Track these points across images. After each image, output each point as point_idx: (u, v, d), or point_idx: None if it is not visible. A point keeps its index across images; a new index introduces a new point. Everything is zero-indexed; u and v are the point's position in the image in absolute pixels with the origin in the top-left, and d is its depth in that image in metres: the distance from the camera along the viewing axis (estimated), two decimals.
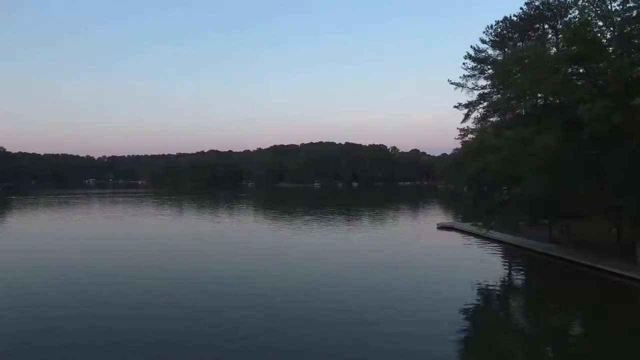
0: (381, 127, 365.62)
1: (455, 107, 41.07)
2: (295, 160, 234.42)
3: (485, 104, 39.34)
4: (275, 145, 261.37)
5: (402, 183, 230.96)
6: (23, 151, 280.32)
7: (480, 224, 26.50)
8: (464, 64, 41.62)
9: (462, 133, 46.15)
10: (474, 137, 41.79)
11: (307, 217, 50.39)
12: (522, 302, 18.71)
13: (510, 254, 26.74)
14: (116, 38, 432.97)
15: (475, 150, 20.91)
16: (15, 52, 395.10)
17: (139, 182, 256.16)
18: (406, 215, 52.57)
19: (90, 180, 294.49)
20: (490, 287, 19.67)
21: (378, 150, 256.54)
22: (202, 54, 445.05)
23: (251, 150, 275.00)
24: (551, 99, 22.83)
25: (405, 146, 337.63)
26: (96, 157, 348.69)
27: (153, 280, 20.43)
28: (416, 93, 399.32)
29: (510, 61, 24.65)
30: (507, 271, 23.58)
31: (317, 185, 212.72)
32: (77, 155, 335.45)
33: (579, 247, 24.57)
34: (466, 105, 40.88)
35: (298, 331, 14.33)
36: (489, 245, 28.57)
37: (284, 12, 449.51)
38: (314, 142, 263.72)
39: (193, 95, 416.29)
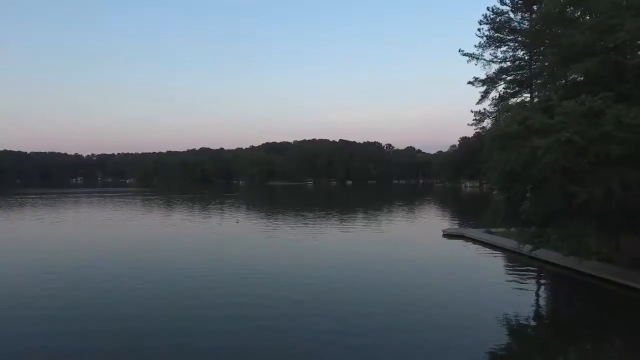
0: (376, 124, 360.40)
1: (469, 83, 33.69)
2: (287, 158, 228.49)
3: (508, 78, 32.34)
4: (267, 142, 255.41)
5: (396, 181, 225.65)
6: (8, 149, 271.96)
7: (520, 240, 18.23)
8: (479, 30, 33.66)
9: (477, 117, 37.87)
10: (492, 121, 34.85)
11: (289, 224, 44.39)
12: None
13: (545, 274, 20.24)
14: (105, 34, 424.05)
15: (513, 133, 13.77)
16: None
17: (127, 181, 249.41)
18: (404, 219, 45.05)
19: (78, 179, 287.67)
20: (531, 328, 13.49)
21: (372, 148, 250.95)
22: (193, 51, 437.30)
23: (243, 148, 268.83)
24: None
25: (400, 143, 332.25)
26: (85, 155, 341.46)
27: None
28: (412, 90, 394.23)
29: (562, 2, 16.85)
30: (549, 301, 16.93)
31: (309, 183, 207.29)
32: (65, 154, 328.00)
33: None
34: (484, 81, 33.51)
35: None
36: (510, 258, 22.40)
37: (275, 7, 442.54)
38: (307, 139, 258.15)
39: (185, 92, 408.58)
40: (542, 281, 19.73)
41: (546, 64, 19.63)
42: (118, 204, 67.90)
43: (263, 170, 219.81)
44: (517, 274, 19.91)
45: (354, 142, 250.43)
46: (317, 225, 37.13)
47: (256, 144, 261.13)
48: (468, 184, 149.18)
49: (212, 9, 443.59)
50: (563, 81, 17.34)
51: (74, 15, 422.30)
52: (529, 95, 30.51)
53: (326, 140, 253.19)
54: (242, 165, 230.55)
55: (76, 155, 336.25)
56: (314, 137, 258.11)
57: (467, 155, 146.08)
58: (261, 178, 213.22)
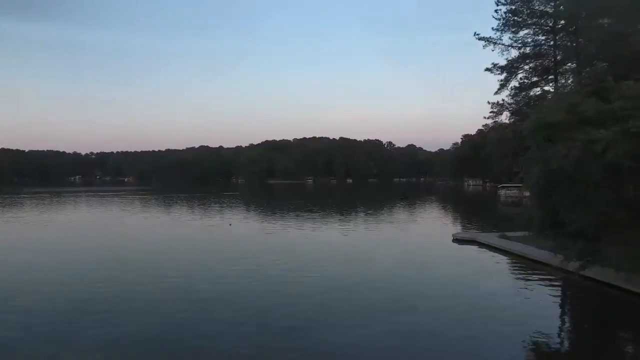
0: (377, 122, 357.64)
1: (487, 70, 30.54)
2: (287, 156, 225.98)
3: (529, 66, 29.22)
4: (267, 140, 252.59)
5: (397, 179, 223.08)
6: (6, 147, 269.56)
7: (564, 253, 15.09)
8: (496, 11, 30.16)
9: (494, 110, 34.41)
10: (509, 115, 31.81)
11: (290, 221, 41.87)
12: None
13: (569, 285, 17.72)
14: (103, 30, 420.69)
15: (561, 123, 10.89)
16: None
17: (126, 180, 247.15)
18: (409, 221, 41.81)
19: (77, 177, 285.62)
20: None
21: (373, 146, 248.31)
22: (192, 48, 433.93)
23: (243, 146, 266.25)
24: None
25: (401, 141, 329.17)
26: (83, 153, 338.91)
27: None
28: (413, 87, 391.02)
29: None
30: (585, 323, 14.36)
31: (309, 181, 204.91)
32: (64, 152, 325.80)
33: None
34: (504, 68, 30.51)
35: None
36: (531, 267, 19.85)
37: (275, 6, 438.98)
38: (307, 137, 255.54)
39: (184, 90, 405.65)
40: (571, 293, 17.26)
41: (588, 42, 16.84)
42: (106, 205, 65.47)
43: (263, 168, 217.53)
44: (542, 286, 17.42)
45: (355, 139, 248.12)
46: (316, 226, 34.79)
47: (256, 142, 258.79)
48: (471, 182, 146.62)
49: (209, 4, 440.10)
50: (605, 65, 14.65)
51: (75, 9, 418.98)
52: (552, 84, 27.69)
53: (326, 138, 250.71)
54: (241, 163, 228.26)
55: (75, 153, 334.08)
56: (314, 135, 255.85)
57: (470, 153, 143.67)
58: (261, 176, 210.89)
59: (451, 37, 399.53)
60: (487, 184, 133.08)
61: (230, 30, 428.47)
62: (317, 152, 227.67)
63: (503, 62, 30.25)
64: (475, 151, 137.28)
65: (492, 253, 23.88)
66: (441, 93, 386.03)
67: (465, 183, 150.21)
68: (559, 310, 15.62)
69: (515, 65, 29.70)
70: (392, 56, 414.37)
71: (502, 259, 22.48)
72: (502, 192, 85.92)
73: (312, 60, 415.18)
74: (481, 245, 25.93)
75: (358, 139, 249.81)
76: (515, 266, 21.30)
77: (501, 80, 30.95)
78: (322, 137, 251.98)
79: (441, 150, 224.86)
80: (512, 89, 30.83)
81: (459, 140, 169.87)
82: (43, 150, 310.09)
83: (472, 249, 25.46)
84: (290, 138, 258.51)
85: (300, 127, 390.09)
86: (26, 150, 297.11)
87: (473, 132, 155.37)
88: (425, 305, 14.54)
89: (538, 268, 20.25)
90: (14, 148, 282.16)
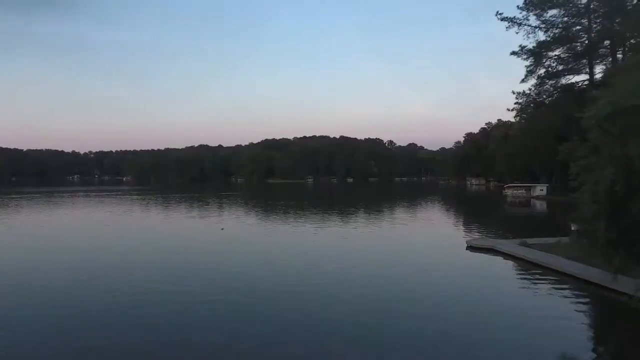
0: (377, 120, 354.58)
1: (513, 53, 26.99)
2: (287, 155, 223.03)
3: (560, 51, 25.96)
4: (266, 139, 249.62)
5: (399, 179, 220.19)
6: (3, 146, 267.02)
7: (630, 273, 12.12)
8: None
9: (519, 101, 30.77)
10: (532, 107, 28.53)
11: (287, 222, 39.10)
12: None
13: (600, 300, 15.20)
14: (101, 33, 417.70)
15: None
16: None
17: (124, 179, 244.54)
18: (415, 224, 38.27)
19: (75, 176, 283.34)
20: None
21: (374, 144, 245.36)
22: (191, 47, 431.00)
23: (242, 144, 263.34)
24: None
25: (402, 140, 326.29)
26: (82, 152, 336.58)
27: None
28: (413, 85, 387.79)
29: None
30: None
31: (309, 180, 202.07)
32: (62, 151, 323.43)
33: None
34: (533, 52, 26.75)
35: None
36: (560, 281, 17.07)
37: (275, 6, 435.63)
38: (307, 135, 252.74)
39: (184, 89, 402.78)
40: (608, 312, 14.55)
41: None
42: (93, 205, 62.80)
43: (262, 167, 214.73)
44: (575, 304, 14.75)
45: (355, 138, 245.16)
46: (315, 228, 32.06)
47: (255, 141, 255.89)
48: (474, 181, 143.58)
49: (210, 5, 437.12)
50: None
51: (75, 7, 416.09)
52: (585, 71, 24.80)
53: (326, 137, 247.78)
54: (241, 162, 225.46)
55: (73, 152, 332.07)
56: (314, 134, 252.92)
57: (473, 151, 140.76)
58: (260, 175, 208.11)
59: (454, 34, 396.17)
60: (491, 184, 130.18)
61: (230, 30, 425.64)
62: (317, 151, 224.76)
63: (533, 43, 26.55)
64: (478, 150, 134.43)
65: (514, 264, 20.95)
66: (442, 91, 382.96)
67: (468, 182, 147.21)
68: (589, 326, 12.89)
69: (543, 49, 26.28)
70: (392, 54, 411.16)
71: (524, 269, 19.64)
72: (509, 192, 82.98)
73: (312, 58, 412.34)
74: (499, 254, 22.96)
75: (358, 138, 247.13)
76: (540, 278, 18.49)
77: (529, 67, 27.47)
78: (322, 136, 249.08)
79: (442, 149, 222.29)
80: (538, 78, 27.40)
81: (462, 139, 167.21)
82: (42, 150, 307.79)
83: (490, 259, 22.39)
84: (290, 137, 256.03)
85: (300, 125, 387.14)
86: (24, 150, 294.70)
87: (476, 130, 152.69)
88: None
89: (564, 279, 17.56)
90: (12, 147, 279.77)
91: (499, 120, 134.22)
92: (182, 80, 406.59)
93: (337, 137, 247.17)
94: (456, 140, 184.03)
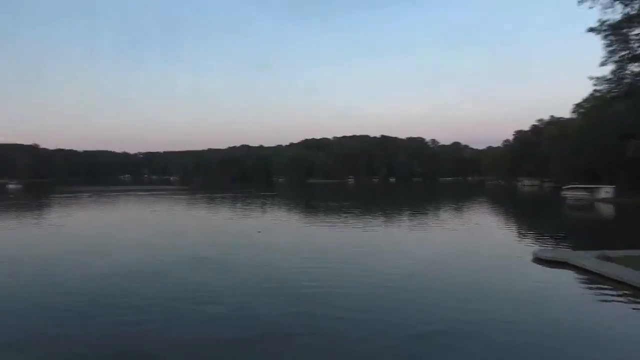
0: (419, 119, 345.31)
1: (591, 30, 22.14)
2: (327, 154, 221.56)
3: None
4: (307, 139, 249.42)
5: (443, 178, 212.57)
6: (60, 148, 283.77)
7: None
8: None
9: (597, 87, 25.80)
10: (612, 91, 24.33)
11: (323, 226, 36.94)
12: None
13: None
14: (148, 32, 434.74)
15: None
16: (48, 49, 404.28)
17: (171, 178, 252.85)
18: (467, 231, 34.66)
19: (126, 176, 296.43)
20: None
21: (416, 144, 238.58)
22: (234, 48, 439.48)
23: (283, 145, 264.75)
24: None
25: (445, 139, 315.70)
26: (132, 153, 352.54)
27: None
28: (458, 83, 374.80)
29: None
30: None
31: (350, 180, 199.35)
32: (113, 152, 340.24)
33: None
34: (616, 27, 21.97)
35: None
36: None
37: (308, 4, 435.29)
38: (347, 135, 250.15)
39: (226, 91, 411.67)
40: None
41: None
42: (137, 204, 63.63)
43: (302, 167, 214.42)
44: None
45: (396, 137, 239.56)
46: (355, 226, 29.80)
47: (296, 141, 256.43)
48: (526, 181, 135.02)
49: (251, 4, 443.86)
50: None
51: (117, 11, 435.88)
52: None
53: (366, 136, 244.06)
54: (281, 162, 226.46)
55: (124, 153, 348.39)
56: (354, 133, 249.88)
57: (524, 150, 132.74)
58: (301, 175, 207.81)
59: (504, 28, 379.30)
60: (545, 184, 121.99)
61: (270, 29, 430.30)
62: (357, 150, 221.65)
63: (617, 17, 22.03)
64: (530, 148, 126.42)
65: (598, 282, 17.48)
66: (488, 87, 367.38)
67: (519, 183, 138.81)
68: None
69: (625, 25, 22.06)
70: (434, 50, 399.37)
71: (626, 296, 15.84)
72: (569, 194, 76.22)
73: (350, 56, 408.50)
74: (574, 268, 19.49)
75: (400, 137, 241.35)
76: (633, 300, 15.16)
77: (609, 47, 23.18)
78: (362, 135, 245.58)
79: (490, 147, 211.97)
80: (619, 59, 23.07)
81: (511, 137, 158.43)
82: (94, 151, 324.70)
83: (567, 275, 19.02)
84: (330, 136, 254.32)
85: (341, 125, 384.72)
86: (80, 151, 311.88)
87: (527, 127, 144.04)
88: None
89: None
90: (68, 148, 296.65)
91: (551, 116, 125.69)
92: (224, 82, 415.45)
93: (378, 136, 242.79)
94: (504, 139, 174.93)
